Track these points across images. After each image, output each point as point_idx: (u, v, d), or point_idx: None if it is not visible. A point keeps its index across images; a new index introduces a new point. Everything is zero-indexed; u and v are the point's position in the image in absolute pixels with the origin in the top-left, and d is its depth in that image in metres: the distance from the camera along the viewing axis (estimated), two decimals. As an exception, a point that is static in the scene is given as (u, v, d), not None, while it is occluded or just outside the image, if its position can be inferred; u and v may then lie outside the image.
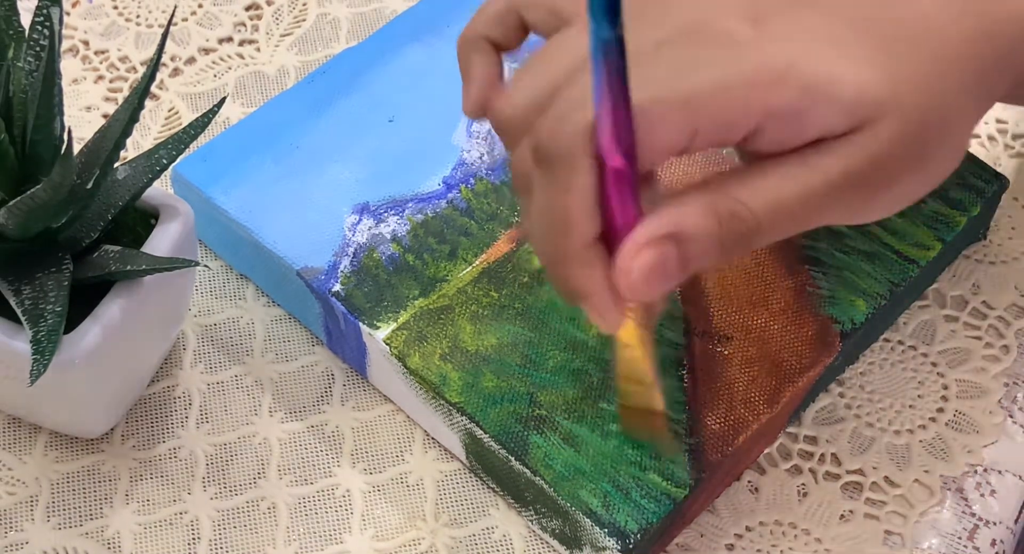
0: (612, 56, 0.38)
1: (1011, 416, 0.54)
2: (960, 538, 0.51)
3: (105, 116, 0.60)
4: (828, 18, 0.41)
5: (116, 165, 0.48)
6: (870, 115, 0.40)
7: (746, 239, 0.41)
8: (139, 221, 0.49)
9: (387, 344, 0.51)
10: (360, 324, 0.51)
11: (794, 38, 0.40)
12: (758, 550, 0.50)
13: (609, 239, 0.41)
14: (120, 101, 0.61)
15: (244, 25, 0.64)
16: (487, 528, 0.51)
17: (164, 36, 0.46)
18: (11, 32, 0.46)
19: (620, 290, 0.41)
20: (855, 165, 0.41)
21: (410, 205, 0.54)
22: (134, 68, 0.62)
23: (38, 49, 0.45)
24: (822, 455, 0.53)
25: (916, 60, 0.41)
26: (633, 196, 0.40)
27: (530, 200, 0.42)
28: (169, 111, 0.61)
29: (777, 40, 0.40)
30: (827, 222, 0.42)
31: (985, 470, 0.53)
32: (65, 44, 0.63)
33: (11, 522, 0.50)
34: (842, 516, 0.51)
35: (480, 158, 0.55)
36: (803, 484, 0.52)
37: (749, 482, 0.52)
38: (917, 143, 0.41)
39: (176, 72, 0.62)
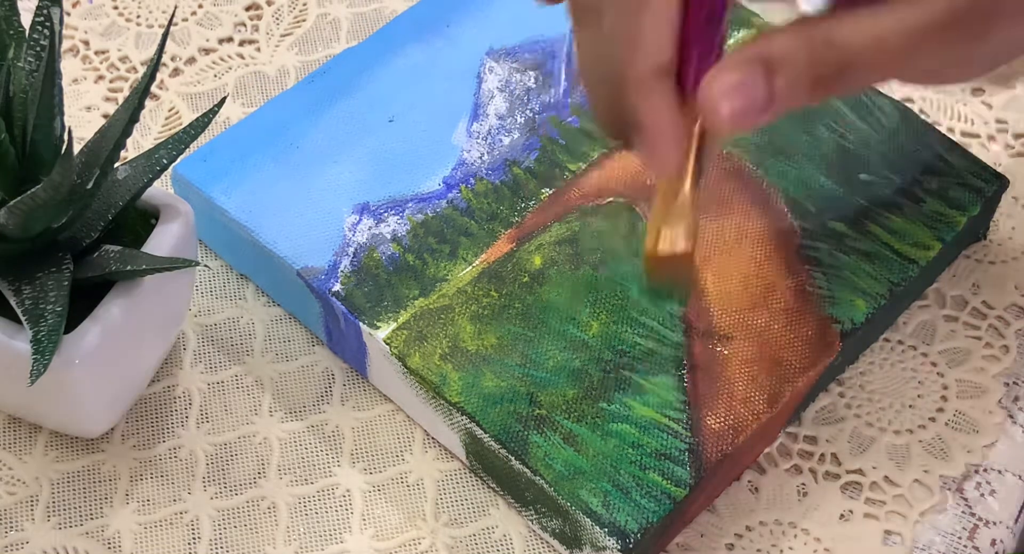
0: None
1: (1011, 416, 0.54)
2: (960, 538, 0.51)
3: (105, 116, 0.60)
4: None
5: (116, 165, 0.48)
6: None
7: (840, 72, 0.39)
8: (139, 221, 0.49)
9: (387, 344, 0.51)
10: (360, 324, 0.51)
11: None
12: (758, 550, 0.50)
13: (685, 78, 0.39)
14: (120, 101, 0.61)
15: (244, 25, 0.64)
16: (487, 528, 0.51)
17: (164, 36, 0.46)
18: (11, 32, 0.46)
19: (703, 108, 0.39)
20: (957, 5, 0.39)
21: (410, 205, 0.54)
22: (134, 68, 0.62)
23: (38, 49, 0.45)
24: (822, 455, 0.53)
25: None
26: (720, 21, 0.39)
27: (596, 22, 0.40)
28: (169, 111, 0.61)
29: None
30: (924, 68, 0.40)
31: (985, 470, 0.53)
32: (65, 44, 0.63)
33: (11, 522, 0.50)
34: (842, 516, 0.51)
35: (480, 158, 0.55)
36: (803, 484, 0.52)
37: (749, 482, 0.52)
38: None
39: (176, 72, 0.62)
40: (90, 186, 0.46)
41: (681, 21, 0.39)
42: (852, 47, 0.39)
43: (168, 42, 0.63)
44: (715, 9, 0.39)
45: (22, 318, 0.44)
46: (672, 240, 0.44)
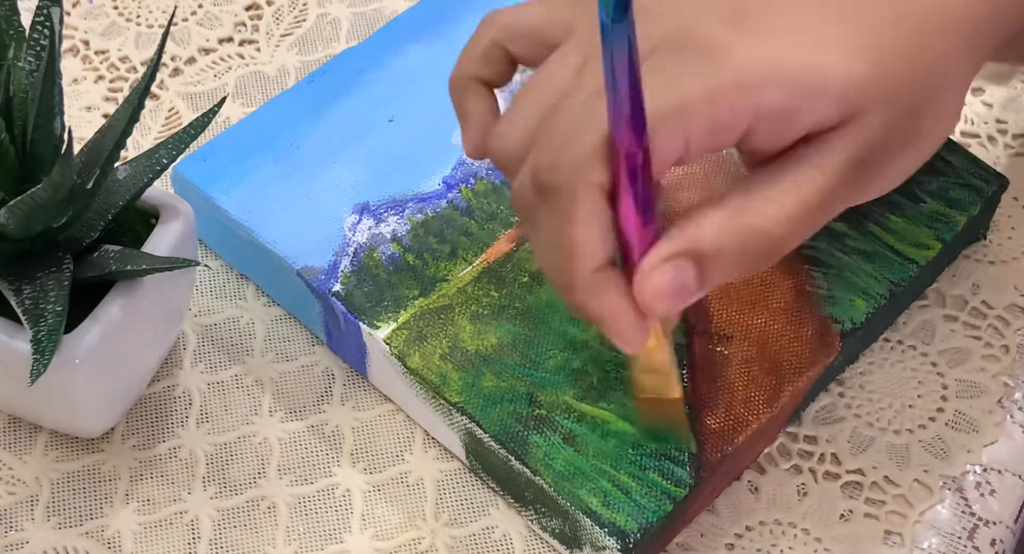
0: (623, 44, 0.38)
1: (1011, 416, 0.54)
2: (960, 538, 0.51)
3: (105, 116, 0.60)
4: (807, 5, 0.41)
5: (116, 165, 0.48)
6: (861, 103, 0.40)
7: (769, 253, 0.41)
8: (139, 221, 0.49)
9: (387, 344, 0.51)
10: (360, 324, 0.51)
11: (775, 32, 0.41)
12: (758, 550, 0.50)
13: (627, 258, 0.41)
14: (120, 101, 0.61)
15: (244, 25, 0.64)
16: (487, 528, 0.51)
17: (164, 36, 0.46)
18: (11, 32, 0.46)
19: (640, 306, 0.41)
20: (857, 155, 0.41)
21: (410, 205, 0.54)
22: (134, 68, 0.62)
23: (38, 49, 0.45)
24: (822, 455, 0.53)
25: (901, 35, 0.41)
26: (651, 201, 0.40)
27: (535, 230, 0.42)
28: (169, 111, 0.61)
29: (759, 37, 0.40)
30: (836, 214, 0.43)
31: (985, 470, 0.53)
32: (65, 44, 0.63)
33: (11, 522, 0.50)
34: (842, 516, 0.51)
35: (480, 158, 0.55)
36: (803, 484, 0.52)
37: (749, 482, 0.52)
38: (911, 120, 0.42)
39: (176, 72, 0.62)
40: (90, 186, 0.46)
41: (613, 217, 0.41)
42: (778, 228, 0.41)
43: (168, 42, 0.63)
44: (647, 200, 0.40)
45: (22, 318, 0.44)
46: (652, 387, 0.47)
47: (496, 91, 0.47)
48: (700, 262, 0.41)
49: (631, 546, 0.47)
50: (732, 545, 0.51)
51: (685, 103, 0.40)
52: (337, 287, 0.52)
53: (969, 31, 0.43)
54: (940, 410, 0.54)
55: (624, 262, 0.42)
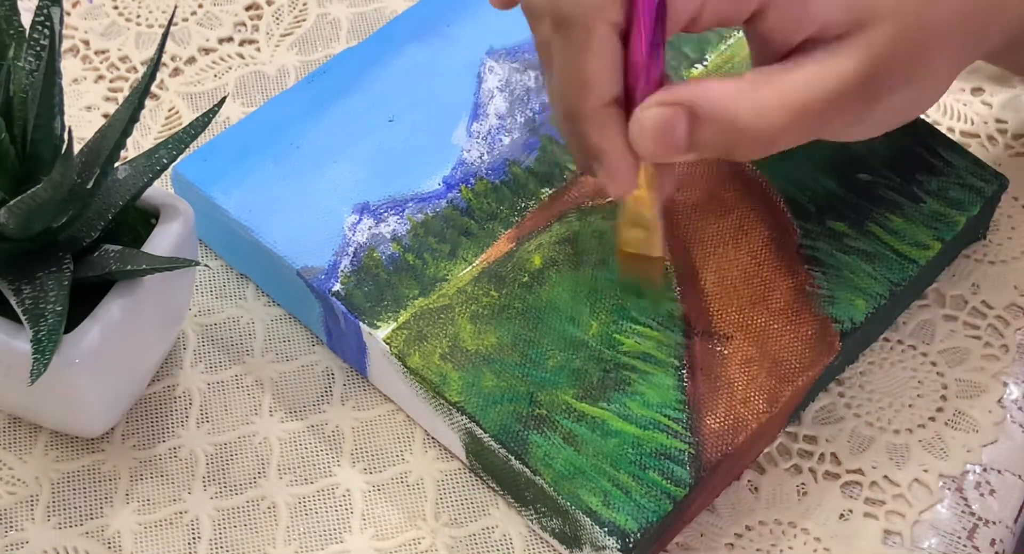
0: None
1: (1010, 415, 0.54)
2: (959, 537, 0.51)
3: (105, 116, 0.60)
4: None
5: (116, 165, 0.48)
6: (869, 15, 0.43)
7: (756, 140, 0.43)
8: (139, 221, 0.49)
9: (387, 343, 0.51)
10: (360, 324, 0.51)
11: None
12: (758, 549, 0.50)
13: (630, 102, 0.44)
14: (120, 101, 0.61)
15: (244, 25, 0.64)
16: (487, 528, 0.51)
17: (164, 36, 0.46)
18: (11, 32, 0.46)
19: (630, 140, 0.43)
20: (862, 67, 0.43)
21: (410, 205, 0.54)
22: (134, 68, 0.62)
23: (38, 49, 0.45)
24: (822, 454, 0.53)
25: None
26: (660, 51, 0.43)
27: (549, 65, 0.44)
28: (169, 111, 0.61)
29: None
30: (826, 135, 0.45)
31: (984, 469, 0.53)
32: (65, 44, 0.63)
33: (11, 521, 0.50)
34: (841, 515, 0.51)
35: (480, 158, 0.55)
36: (803, 483, 0.52)
37: (749, 481, 0.52)
38: (915, 53, 0.44)
39: (176, 72, 0.62)
40: (90, 186, 0.46)
41: (623, 52, 0.43)
42: (773, 119, 0.43)
43: (168, 42, 0.63)
44: (655, 37, 0.43)
45: (22, 318, 0.44)
46: (635, 242, 0.48)
47: (496, 91, 0.48)
48: (693, 119, 0.42)
49: (631, 546, 0.47)
50: (732, 545, 0.51)
51: None
52: (337, 287, 0.52)
53: (963, 14, 0.45)
54: (940, 410, 0.54)
55: (627, 107, 0.44)
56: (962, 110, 0.62)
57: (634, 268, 0.49)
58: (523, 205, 0.54)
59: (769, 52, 0.45)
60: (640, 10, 0.42)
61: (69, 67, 0.62)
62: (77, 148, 0.46)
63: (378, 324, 0.51)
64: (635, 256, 0.48)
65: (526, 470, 0.48)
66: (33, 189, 0.42)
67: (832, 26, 0.43)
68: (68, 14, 0.64)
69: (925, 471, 0.52)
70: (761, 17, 0.44)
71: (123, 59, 0.62)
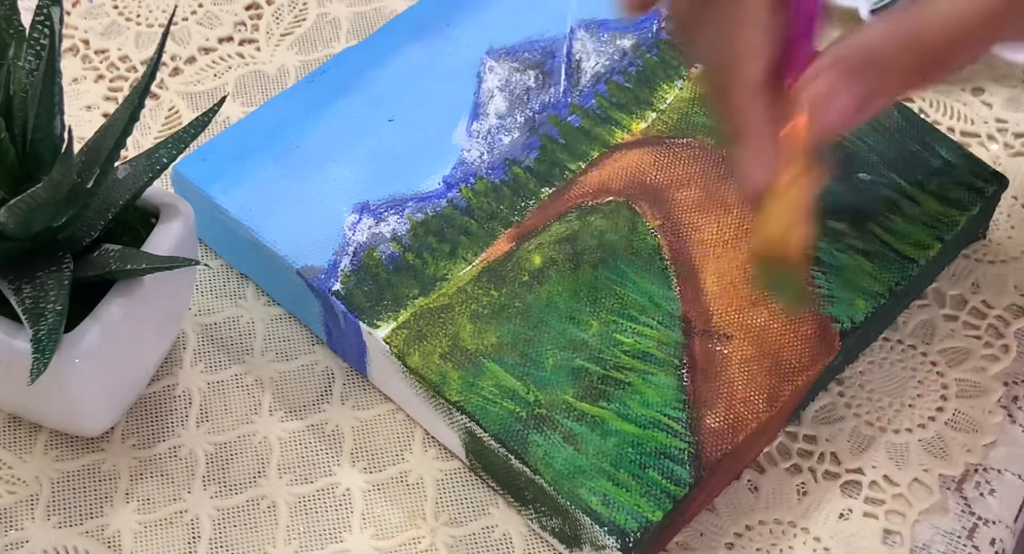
0: None
1: (1010, 415, 0.54)
2: (959, 537, 0.51)
3: (105, 115, 0.60)
4: None
5: (116, 164, 0.48)
6: None
7: (937, 57, 0.42)
8: (139, 220, 0.49)
9: (387, 343, 0.51)
10: (360, 323, 0.51)
11: None
12: (757, 549, 0.50)
13: (785, 74, 0.42)
14: (120, 100, 0.61)
15: (244, 25, 0.64)
16: (487, 527, 0.51)
17: (164, 35, 0.46)
18: (11, 31, 0.46)
19: (808, 113, 0.42)
20: None
21: (410, 204, 0.54)
22: (134, 67, 0.62)
23: (38, 48, 0.45)
24: (821, 454, 0.53)
25: None
26: (815, 20, 0.42)
27: (691, 42, 0.44)
28: (169, 110, 0.61)
29: None
30: (1003, 38, 0.43)
31: (984, 469, 0.53)
32: (65, 43, 0.63)
33: (11, 521, 0.50)
34: (841, 515, 0.51)
35: (480, 157, 0.55)
36: (802, 483, 0.52)
37: (749, 481, 0.52)
38: None
39: (176, 71, 0.62)
40: (90, 185, 0.46)
41: (776, 27, 0.42)
42: (940, 35, 0.41)
43: (168, 41, 0.63)
44: (811, 10, 0.42)
45: (22, 317, 0.44)
46: (773, 243, 0.45)
47: (496, 90, 0.47)
48: (867, 67, 0.41)
49: (631, 545, 0.47)
50: (732, 544, 0.51)
51: None
52: (337, 286, 0.52)
53: None
54: (940, 410, 0.54)
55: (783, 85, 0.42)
56: (962, 110, 0.62)
57: (771, 269, 0.47)
58: (523, 205, 0.54)
59: None
60: None
61: (69, 67, 0.62)
62: (77, 148, 0.46)
63: (378, 323, 0.51)
64: (770, 259, 0.46)
65: (526, 469, 0.48)
66: (33, 189, 0.42)
67: None
68: (68, 14, 0.64)
69: (925, 471, 0.52)
70: None
71: (123, 59, 0.62)
